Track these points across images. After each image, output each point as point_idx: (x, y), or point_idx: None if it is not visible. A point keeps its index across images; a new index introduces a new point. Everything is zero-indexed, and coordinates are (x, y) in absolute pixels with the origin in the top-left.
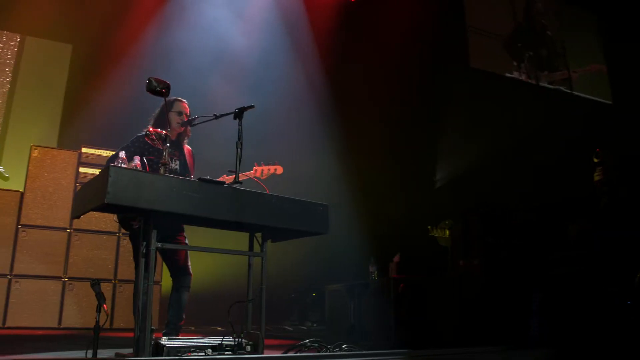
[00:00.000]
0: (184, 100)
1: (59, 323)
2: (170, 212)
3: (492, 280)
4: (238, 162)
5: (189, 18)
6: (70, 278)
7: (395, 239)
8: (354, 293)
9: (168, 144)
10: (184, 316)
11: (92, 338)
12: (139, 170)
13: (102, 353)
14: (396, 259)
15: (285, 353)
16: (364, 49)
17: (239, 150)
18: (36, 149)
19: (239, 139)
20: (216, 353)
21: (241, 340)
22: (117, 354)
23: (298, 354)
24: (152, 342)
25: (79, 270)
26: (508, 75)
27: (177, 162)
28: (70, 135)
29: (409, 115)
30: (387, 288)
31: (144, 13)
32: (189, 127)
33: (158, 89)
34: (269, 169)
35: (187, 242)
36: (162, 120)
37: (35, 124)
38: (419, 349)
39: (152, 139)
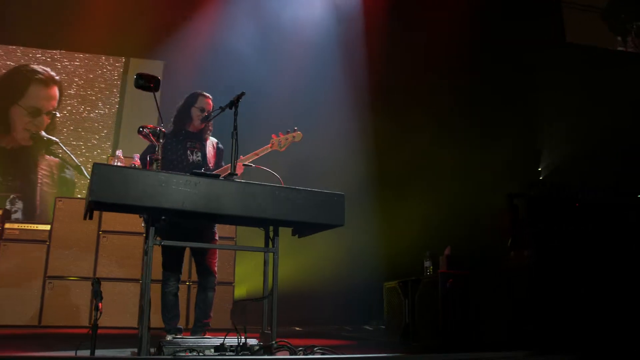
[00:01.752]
0: (209, 96)
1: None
2: (161, 208)
3: (542, 274)
4: (234, 152)
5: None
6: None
7: (458, 229)
8: (407, 290)
9: (162, 140)
10: (210, 315)
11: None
12: (124, 167)
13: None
14: (447, 251)
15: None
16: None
17: (234, 140)
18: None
19: (234, 128)
20: (217, 353)
21: (246, 341)
22: (132, 353)
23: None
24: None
25: (155, 273)
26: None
27: (199, 154)
28: None
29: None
30: (436, 284)
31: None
32: (210, 122)
33: (146, 84)
34: (286, 138)
35: (217, 239)
36: (184, 114)
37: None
38: (436, 352)
39: (145, 134)
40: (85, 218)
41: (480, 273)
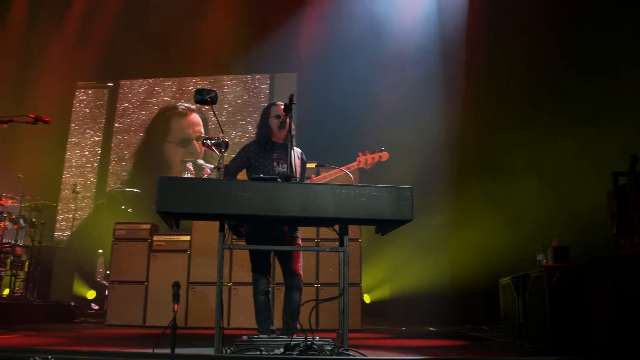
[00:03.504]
0: (279, 103)
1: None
2: (221, 214)
3: None
4: (290, 153)
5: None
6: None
7: (569, 218)
8: (519, 286)
9: (223, 149)
10: (298, 317)
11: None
12: (184, 178)
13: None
14: (555, 242)
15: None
16: None
17: (290, 143)
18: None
19: (289, 131)
20: (279, 353)
21: (312, 342)
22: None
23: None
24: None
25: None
26: None
27: (285, 165)
28: None
29: None
30: (542, 279)
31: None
32: (292, 127)
33: (204, 99)
34: (373, 157)
35: (300, 242)
36: (264, 127)
37: None
38: None
39: (208, 146)
40: (172, 228)
41: (591, 265)
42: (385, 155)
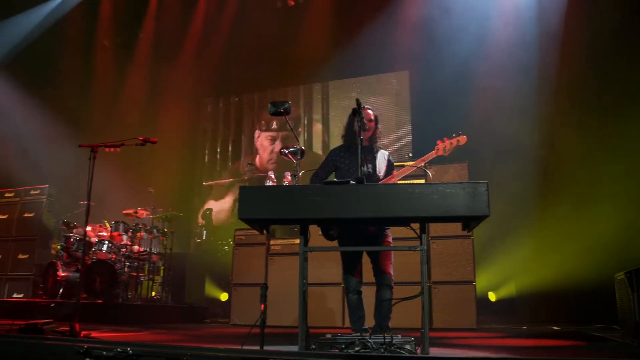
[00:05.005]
0: (365, 106)
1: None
2: (297, 219)
3: None
4: (359, 156)
5: None
6: (395, 283)
7: None
8: (633, 281)
9: (299, 157)
10: (389, 315)
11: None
12: (260, 186)
13: None
14: None
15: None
16: None
17: (360, 145)
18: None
19: (358, 134)
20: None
21: (391, 340)
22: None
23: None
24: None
25: (395, 276)
26: None
27: (370, 166)
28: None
29: None
30: None
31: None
32: (378, 130)
33: (278, 111)
34: (451, 143)
35: (390, 240)
36: (349, 131)
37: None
38: None
39: (285, 154)
40: (261, 233)
41: None
42: (463, 139)
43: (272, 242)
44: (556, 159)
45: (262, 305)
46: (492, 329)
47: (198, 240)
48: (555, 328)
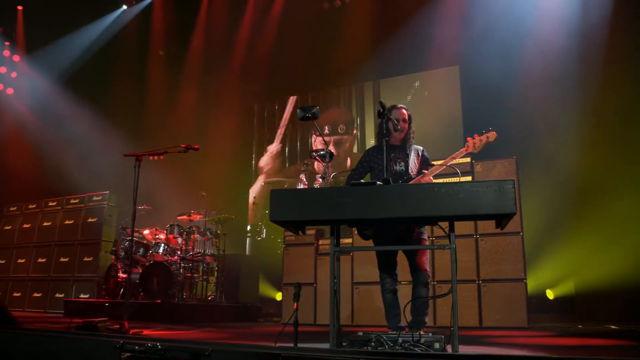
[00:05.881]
0: (400, 106)
1: (434, 322)
2: (325, 220)
3: None
4: (385, 159)
5: None
6: (438, 281)
7: None
8: None
9: (328, 160)
10: (425, 312)
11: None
12: (288, 189)
13: None
14: None
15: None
16: None
17: (385, 147)
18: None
19: (383, 136)
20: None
21: (419, 338)
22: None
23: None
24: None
25: (445, 274)
26: None
27: (402, 164)
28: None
29: None
30: None
31: None
32: (410, 131)
33: (306, 115)
34: (480, 140)
35: (426, 238)
36: (381, 131)
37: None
38: None
39: (314, 157)
40: (297, 234)
41: None
42: (492, 135)
43: (321, 242)
44: (616, 152)
45: (295, 304)
46: (545, 327)
47: (259, 239)
48: (613, 327)
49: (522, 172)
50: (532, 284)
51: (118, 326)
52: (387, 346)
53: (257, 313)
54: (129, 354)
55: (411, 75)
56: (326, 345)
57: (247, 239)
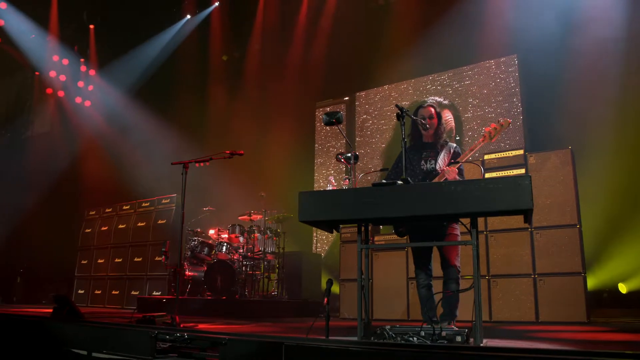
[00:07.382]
0: (426, 105)
1: (490, 317)
2: (351, 219)
3: None
4: (404, 160)
5: None
6: (493, 276)
7: None
8: None
9: (353, 162)
10: (455, 305)
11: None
12: (315, 191)
13: None
14: None
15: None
16: None
17: (403, 149)
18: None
19: (402, 138)
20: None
21: (440, 331)
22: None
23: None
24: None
25: (499, 268)
26: None
27: (432, 162)
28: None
29: None
30: None
31: None
32: (440, 127)
33: (331, 121)
34: (495, 128)
35: (457, 234)
36: (412, 131)
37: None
38: None
39: (340, 160)
40: (330, 232)
41: None
42: (506, 122)
43: (376, 238)
44: None
45: (325, 299)
46: (606, 322)
47: (330, 236)
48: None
49: (581, 163)
50: (602, 277)
51: (170, 320)
52: (399, 339)
53: (318, 309)
54: (162, 343)
55: (496, 60)
56: (354, 338)
57: (314, 237)
